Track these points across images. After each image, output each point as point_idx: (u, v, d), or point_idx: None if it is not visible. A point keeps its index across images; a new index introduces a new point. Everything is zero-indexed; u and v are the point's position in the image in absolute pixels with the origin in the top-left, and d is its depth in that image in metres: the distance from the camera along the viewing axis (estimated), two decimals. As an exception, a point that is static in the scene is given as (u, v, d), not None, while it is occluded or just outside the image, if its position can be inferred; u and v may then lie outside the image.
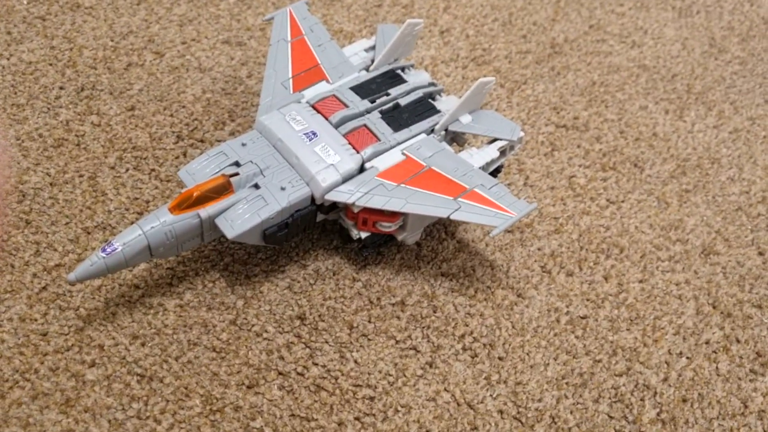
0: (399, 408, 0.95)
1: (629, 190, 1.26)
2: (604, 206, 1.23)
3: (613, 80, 1.44)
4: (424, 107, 1.07)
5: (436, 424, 0.94)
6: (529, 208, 0.96)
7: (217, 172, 0.94)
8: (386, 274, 1.06)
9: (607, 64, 1.48)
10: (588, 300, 1.10)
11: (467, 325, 1.04)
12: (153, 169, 1.13)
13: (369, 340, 1.00)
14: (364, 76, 1.10)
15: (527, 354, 1.02)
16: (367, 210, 0.97)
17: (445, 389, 0.97)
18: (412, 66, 1.16)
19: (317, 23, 1.16)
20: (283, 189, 0.95)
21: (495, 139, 1.08)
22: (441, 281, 1.07)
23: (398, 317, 1.02)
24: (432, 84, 1.13)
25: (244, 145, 0.98)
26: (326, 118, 1.03)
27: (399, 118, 1.05)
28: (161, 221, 0.89)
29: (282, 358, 0.96)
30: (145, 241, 0.89)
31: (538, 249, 1.15)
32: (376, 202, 0.95)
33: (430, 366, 0.99)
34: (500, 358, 1.01)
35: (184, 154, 1.16)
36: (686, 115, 1.41)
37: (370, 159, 1.00)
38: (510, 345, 1.03)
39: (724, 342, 1.10)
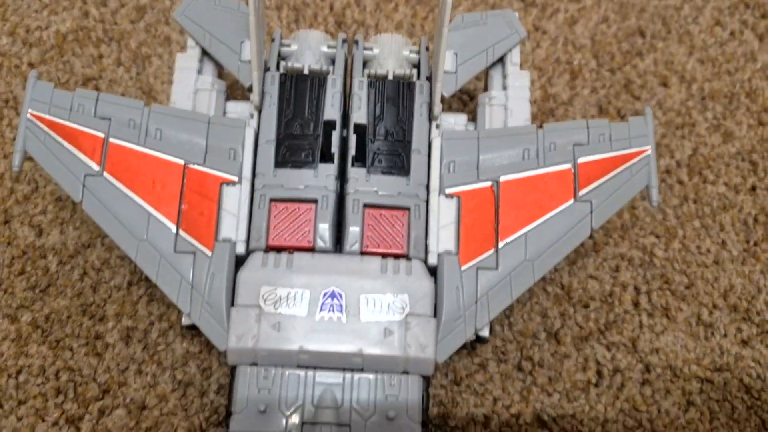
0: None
1: None
2: None
3: None
4: (393, 91, 0.60)
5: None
6: (647, 123, 0.60)
7: None
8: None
9: None
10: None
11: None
12: None
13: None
14: (268, 116, 0.59)
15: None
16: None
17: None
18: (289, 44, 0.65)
19: (93, 96, 0.59)
20: (390, 419, 0.52)
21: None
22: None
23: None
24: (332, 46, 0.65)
25: (262, 412, 0.52)
26: (311, 250, 0.55)
27: (386, 149, 0.58)
28: None
29: None
30: None
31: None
32: (502, 302, 0.56)
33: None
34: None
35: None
36: None
37: (425, 248, 0.57)
38: None
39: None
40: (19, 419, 0.65)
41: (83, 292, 0.70)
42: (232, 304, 0.55)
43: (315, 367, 0.54)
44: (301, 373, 0.53)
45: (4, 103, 0.77)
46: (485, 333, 0.62)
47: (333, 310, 0.54)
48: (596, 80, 0.83)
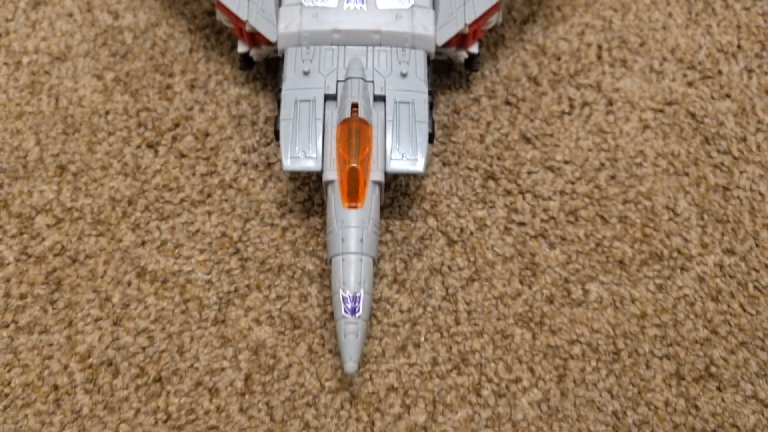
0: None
1: None
2: None
3: None
4: None
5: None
6: None
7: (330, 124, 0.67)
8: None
9: None
10: None
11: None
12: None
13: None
14: None
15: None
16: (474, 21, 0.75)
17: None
18: None
19: None
20: (404, 75, 0.69)
21: None
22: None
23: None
24: None
25: (306, 73, 0.69)
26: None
27: None
28: (360, 224, 0.64)
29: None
30: (370, 259, 0.64)
31: None
32: (482, 6, 0.74)
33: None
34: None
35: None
36: None
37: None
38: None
39: None
40: (110, 145, 0.83)
41: (154, 56, 0.88)
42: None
43: (345, 45, 0.71)
44: (335, 47, 0.71)
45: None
46: (475, 49, 0.80)
47: (356, 2, 0.72)
48: None
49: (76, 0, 0.91)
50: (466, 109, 0.86)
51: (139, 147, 0.82)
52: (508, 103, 0.87)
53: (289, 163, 0.67)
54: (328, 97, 0.69)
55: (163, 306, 0.75)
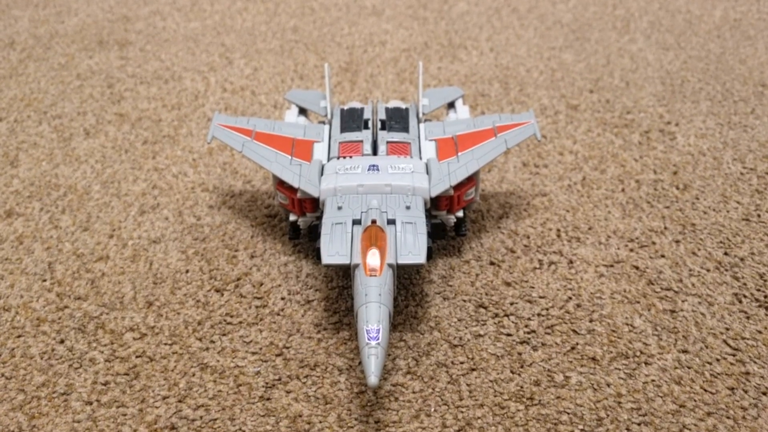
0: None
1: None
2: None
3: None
4: (397, 110, 1.20)
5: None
6: (531, 114, 1.18)
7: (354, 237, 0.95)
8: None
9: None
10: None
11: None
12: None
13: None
14: (335, 122, 1.18)
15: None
16: (456, 187, 1.07)
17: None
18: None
19: (247, 118, 1.19)
20: (408, 207, 0.99)
21: (451, 104, 1.27)
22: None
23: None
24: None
25: (339, 208, 0.99)
26: (361, 156, 1.09)
27: (396, 125, 1.16)
28: (378, 285, 0.87)
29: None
30: (386, 309, 0.86)
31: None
32: (463, 173, 1.07)
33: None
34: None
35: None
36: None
37: (420, 156, 1.10)
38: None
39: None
40: (187, 290, 1.08)
41: (225, 239, 1.18)
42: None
43: (366, 194, 1.03)
44: (360, 195, 1.02)
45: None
46: (460, 214, 1.11)
47: (374, 171, 1.05)
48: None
49: (171, 210, 1.25)
50: (459, 267, 1.13)
51: (209, 291, 1.08)
52: (492, 263, 1.14)
53: (327, 259, 0.93)
54: (355, 222, 0.98)
55: (220, 389, 0.93)
